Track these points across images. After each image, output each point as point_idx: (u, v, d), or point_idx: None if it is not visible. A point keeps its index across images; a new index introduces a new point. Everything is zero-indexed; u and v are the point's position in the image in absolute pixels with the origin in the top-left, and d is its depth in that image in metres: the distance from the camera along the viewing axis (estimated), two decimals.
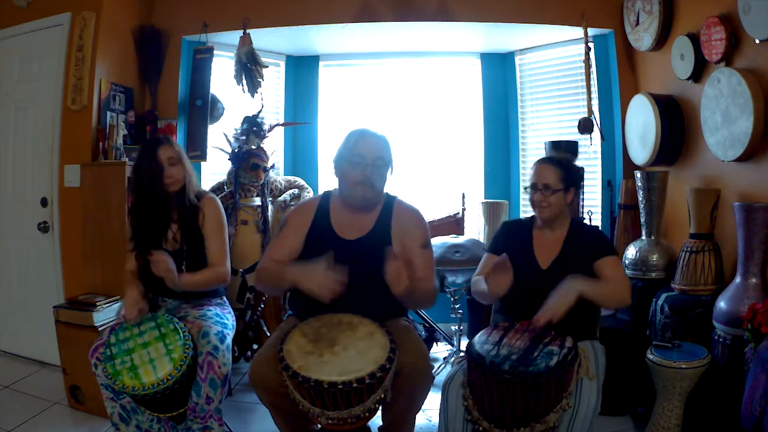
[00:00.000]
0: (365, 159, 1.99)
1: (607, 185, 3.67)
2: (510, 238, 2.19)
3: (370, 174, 1.99)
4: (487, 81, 4.18)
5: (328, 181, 4.22)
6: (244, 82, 3.52)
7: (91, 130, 3.16)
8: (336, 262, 1.92)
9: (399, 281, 1.80)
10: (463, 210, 3.72)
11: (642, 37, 3.24)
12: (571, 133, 3.63)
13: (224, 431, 2.19)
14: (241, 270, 3.20)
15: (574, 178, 2.13)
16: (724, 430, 2.18)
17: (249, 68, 3.49)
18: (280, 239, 2.12)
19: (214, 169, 3.83)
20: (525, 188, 2.16)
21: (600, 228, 2.56)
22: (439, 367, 3.26)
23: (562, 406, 1.70)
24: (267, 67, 3.60)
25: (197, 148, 3.59)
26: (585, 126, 3.37)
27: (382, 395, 1.76)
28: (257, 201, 3.38)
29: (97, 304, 2.75)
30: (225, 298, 2.45)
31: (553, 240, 2.12)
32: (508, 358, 1.68)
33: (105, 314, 2.75)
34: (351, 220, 2.07)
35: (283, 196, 3.58)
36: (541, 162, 2.15)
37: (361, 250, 2.01)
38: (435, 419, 2.27)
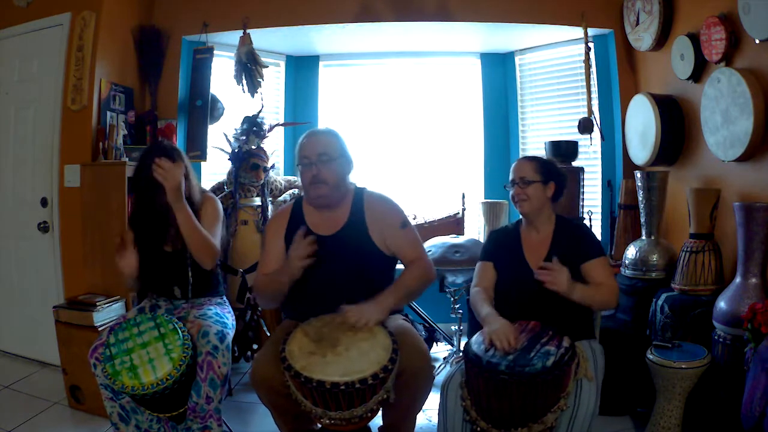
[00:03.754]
0: (310, 158, 2.04)
1: (607, 185, 3.67)
2: (499, 244, 2.20)
3: (317, 172, 2.02)
4: (487, 81, 4.18)
5: None
6: (244, 82, 3.52)
7: (91, 130, 3.16)
8: (318, 258, 2.00)
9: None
10: (463, 210, 3.72)
11: (642, 37, 3.24)
12: (571, 133, 3.63)
13: (224, 431, 2.19)
14: (241, 270, 3.20)
15: (553, 172, 2.13)
16: (724, 430, 2.18)
17: (249, 68, 3.49)
18: (265, 251, 2.16)
19: (214, 169, 3.83)
20: (504, 187, 2.18)
21: (585, 224, 2.55)
22: (439, 367, 3.26)
23: (560, 407, 1.69)
24: (267, 67, 3.61)
25: (197, 148, 3.60)
26: (585, 126, 3.37)
27: (385, 396, 1.76)
28: (257, 201, 3.38)
29: (97, 304, 2.75)
30: (225, 298, 2.46)
31: (540, 240, 2.12)
32: (505, 358, 1.68)
33: (105, 314, 2.75)
34: (324, 216, 2.12)
35: (283, 196, 3.58)
36: (517, 160, 2.19)
37: (337, 244, 2.06)
38: (435, 419, 2.26)
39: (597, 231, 3.64)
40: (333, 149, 2.07)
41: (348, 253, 2.02)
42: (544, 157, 2.23)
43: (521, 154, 4.12)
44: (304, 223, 2.12)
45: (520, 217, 2.20)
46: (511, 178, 2.13)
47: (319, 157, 2.03)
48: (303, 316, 1.96)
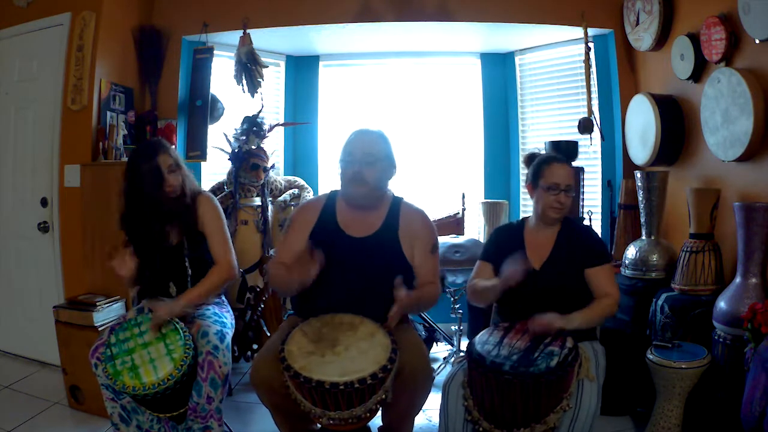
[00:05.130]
0: (354, 156, 2.01)
1: (607, 185, 3.67)
2: (501, 242, 2.19)
3: (359, 170, 2.00)
4: (487, 81, 4.18)
5: (328, 181, 4.22)
6: (244, 82, 3.52)
7: (91, 130, 3.16)
8: (342, 258, 1.96)
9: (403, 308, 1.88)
10: (463, 210, 3.72)
11: (642, 37, 3.24)
12: (571, 133, 3.63)
13: (224, 431, 2.19)
14: (241, 270, 3.20)
15: None
16: (724, 430, 2.18)
17: (249, 68, 3.49)
18: (286, 239, 2.14)
19: (214, 169, 3.83)
20: (546, 188, 2.08)
21: (592, 227, 2.54)
22: (439, 367, 3.26)
23: (563, 407, 1.70)
24: (267, 67, 3.60)
25: (197, 148, 3.59)
26: (585, 126, 3.37)
27: (383, 396, 1.76)
28: (257, 201, 3.39)
29: (97, 304, 2.75)
30: (223, 297, 2.45)
31: (545, 240, 2.12)
32: (509, 358, 1.68)
33: (105, 314, 2.75)
34: (358, 218, 2.08)
35: (283, 196, 3.58)
36: (557, 161, 2.12)
37: (369, 248, 2.03)
38: (435, 419, 2.27)
39: (597, 231, 3.63)
40: (379, 151, 2.04)
41: (376, 259, 1.99)
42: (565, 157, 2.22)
43: (521, 154, 4.11)
44: (335, 221, 2.09)
45: (525, 216, 2.20)
46: (553, 182, 2.06)
47: (364, 156, 2.01)
48: (316, 314, 1.95)
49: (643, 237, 2.99)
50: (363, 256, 1.99)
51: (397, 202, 2.14)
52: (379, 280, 1.93)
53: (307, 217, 2.13)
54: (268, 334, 3.25)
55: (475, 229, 4.08)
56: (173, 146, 2.34)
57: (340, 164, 2.06)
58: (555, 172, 2.07)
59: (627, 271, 2.93)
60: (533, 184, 2.14)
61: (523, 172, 4.09)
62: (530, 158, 2.26)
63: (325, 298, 1.95)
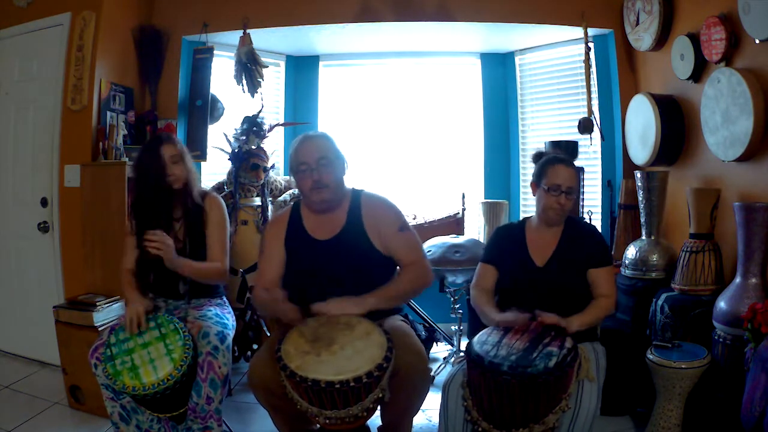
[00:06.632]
0: (309, 164, 2.01)
1: (607, 185, 3.67)
2: (503, 241, 2.19)
3: (319, 177, 2.01)
4: (487, 81, 4.18)
5: None
6: (244, 82, 3.52)
7: (91, 130, 3.16)
8: (313, 262, 2.00)
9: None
10: (463, 210, 3.72)
11: (642, 37, 3.24)
12: (571, 133, 3.63)
13: (224, 431, 2.19)
14: (241, 270, 3.20)
15: None
16: (724, 430, 2.18)
17: (249, 68, 3.49)
18: (264, 258, 2.15)
19: (214, 169, 3.83)
20: (547, 189, 2.08)
21: (596, 227, 2.55)
22: (439, 367, 3.26)
23: (562, 407, 1.69)
24: (267, 67, 3.61)
25: (197, 148, 3.59)
26: (585, 126, 3.37)
27: (380, 395, 1.75)
28: (257, 201, 3.39)
29: (97, 304, 2.76)
30: (225, 298, 2.45)
31: (548, 238, 2.12)
32: (507, 358, 1.68)
33: (105, 314, 2.75)
34: (321, 221, 2.10)
35: (283, 196, 3.58)
36: (559, 162, 2.11)
37: (335, 249, 2.05)
38: (435, 419, 2.27)
39: None
40: (330, 152, 2.06)
41: (347, 257, 2.02)
42: (568, 157, 2.20)
43: (521, 153, 4.12)
44: (303, 228, 2.12)
45: (525, 216, 2.20)
46: (553, 183, 2.06)
47: (318, 161, 2.01)
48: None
49: (643, 237, 2.98)
50: (332, 256, 2.02)
51: (356, 196, 2.15)
52: (353, 278, 1.96)
53: (276, 230, 2.15)
54: (268, 334, 3.25)
55: (475, 229, 4.08)
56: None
57: (295, 174, 2.07)
58: (558, 173, 2.07)
59: (627, 271, 2.93)
60: (536, 182, 2.15)
61: (524, 171, 4.10)
62: (538, 156, 2.26)
63: (308, 303, 1.95)
